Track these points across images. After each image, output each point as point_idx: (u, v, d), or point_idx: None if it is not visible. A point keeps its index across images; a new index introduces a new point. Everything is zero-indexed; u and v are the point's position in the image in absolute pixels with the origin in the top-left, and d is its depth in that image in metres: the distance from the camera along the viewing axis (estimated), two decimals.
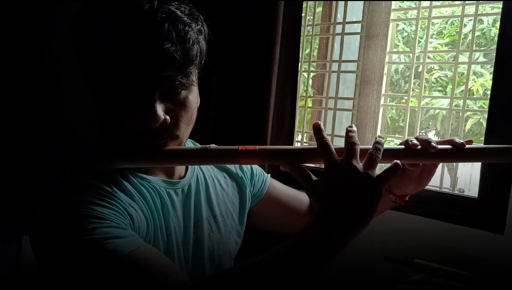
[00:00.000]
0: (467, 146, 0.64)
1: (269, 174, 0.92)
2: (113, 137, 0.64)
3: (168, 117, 0.59)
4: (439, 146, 0.63)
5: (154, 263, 0.54)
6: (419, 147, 0.63)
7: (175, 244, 0.68)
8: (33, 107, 1.91)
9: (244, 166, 0.87)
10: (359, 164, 0.57)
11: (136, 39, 0.55)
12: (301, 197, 0.92)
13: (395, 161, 0.59)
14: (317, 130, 0.61)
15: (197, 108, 0.67)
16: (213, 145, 0.68)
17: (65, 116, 1.90)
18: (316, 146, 0.61)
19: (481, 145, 0.66)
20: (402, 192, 0.75)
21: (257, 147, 0.62)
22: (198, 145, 0.79)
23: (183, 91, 0.62)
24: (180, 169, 0.74)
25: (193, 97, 0.64)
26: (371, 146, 0.61)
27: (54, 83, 1.91)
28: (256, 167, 0.90)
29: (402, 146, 0.64)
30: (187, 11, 0.60)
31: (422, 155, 0.64)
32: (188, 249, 0.71)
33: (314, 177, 0.61)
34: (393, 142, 2.59)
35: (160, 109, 0.58)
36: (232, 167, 0.85)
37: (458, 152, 0.64)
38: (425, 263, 1.02)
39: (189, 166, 0.76)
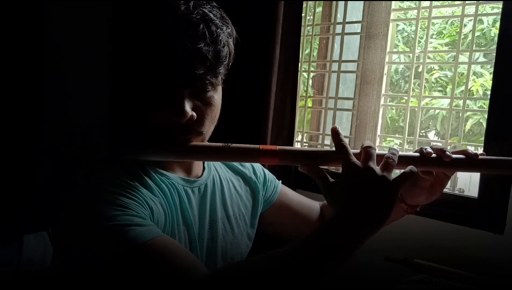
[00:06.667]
0: (480, 157, 0.64)
1: (280, 181, 0.94)
2: (140, 131, 0.66)
3: (194, 114, 0.62)
4: (454, 156, 0.64)
5: (173, 252, 0.56)
6: (434, 155, 0.64)
7: (192, 241, 0.70)
8: (33, 107, 1.91)
9: (258, 171, 0.88)
10: (376, 167, 0.59)
11: (172, 37, 0.58)
12: (312, 206, 0.94)
13: (411, 166, 0.61)
14: (335, 134, 0.64)
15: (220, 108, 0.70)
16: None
17: (65, 116, 1.90)
18: (334, 149, 0.63)
19: (495, 157, 0.66)
20: (414, 202, 0.76)
21: (278, 147, 0.64)
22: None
23: (210, 90, 0.65)
24: (197, 169, 0.77)
25: (218, 97, 0.67)
26: (386, 152, 0.63)
27: (54, 83, 1.91)
28: (268, 173, 0.91)
29: (417, 154, 0.65)
30: (219, 15, 0.64)
31: (436, 164, 0.65)
32: (202, 246, 0.72)
33: (331, 179, 0.62)
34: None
35: (188, 106, 0.61)
36: (247, 171, 0.87)
37: (471, 163, 0.65)
38: (425, 263, 1.02)
39: (206, 167, 0.78)
